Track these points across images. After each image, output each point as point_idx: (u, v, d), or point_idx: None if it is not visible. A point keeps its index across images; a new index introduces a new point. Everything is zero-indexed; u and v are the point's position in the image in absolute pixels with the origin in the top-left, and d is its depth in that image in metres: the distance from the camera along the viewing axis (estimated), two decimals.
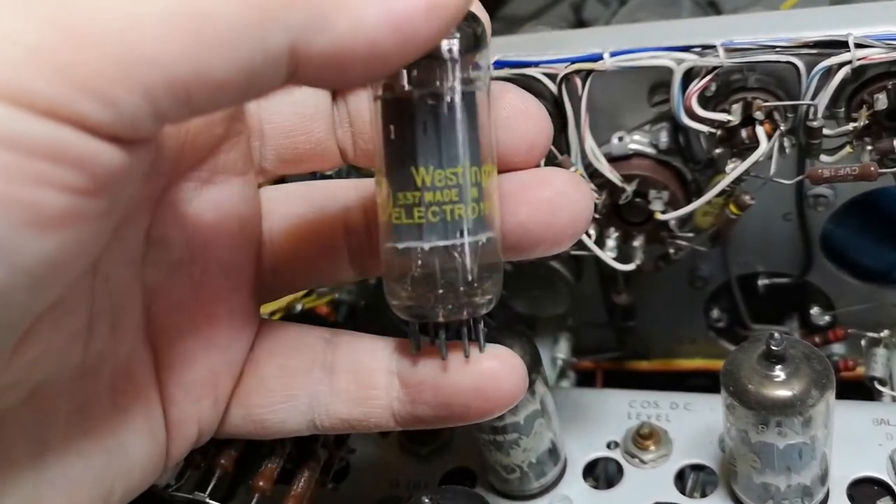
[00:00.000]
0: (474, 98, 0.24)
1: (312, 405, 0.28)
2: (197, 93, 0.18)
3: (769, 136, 0.36)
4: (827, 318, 0.46)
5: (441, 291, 0.24)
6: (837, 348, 0.46)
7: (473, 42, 0.24)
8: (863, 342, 0.45)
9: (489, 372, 0.26)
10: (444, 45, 0.23)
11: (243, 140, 0.28)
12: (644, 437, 0.38)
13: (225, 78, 0.18)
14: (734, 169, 0.37)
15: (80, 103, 0.17)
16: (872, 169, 0.35)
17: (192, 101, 0.18)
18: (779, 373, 0.31)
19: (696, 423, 0.39)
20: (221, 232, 0.27)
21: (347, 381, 0.28)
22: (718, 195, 0.38)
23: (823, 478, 0.34)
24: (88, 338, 0.24)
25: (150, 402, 0.26)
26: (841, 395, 0.35)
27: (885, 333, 0.44)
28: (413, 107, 0.24)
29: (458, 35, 0.23)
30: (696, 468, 0.38)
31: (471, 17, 0.24)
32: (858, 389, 0.44)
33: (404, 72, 0.23)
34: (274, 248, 0.30)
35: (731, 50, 0.36)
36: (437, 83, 0.23)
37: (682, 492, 0.37)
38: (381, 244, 0.26)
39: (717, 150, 0.38)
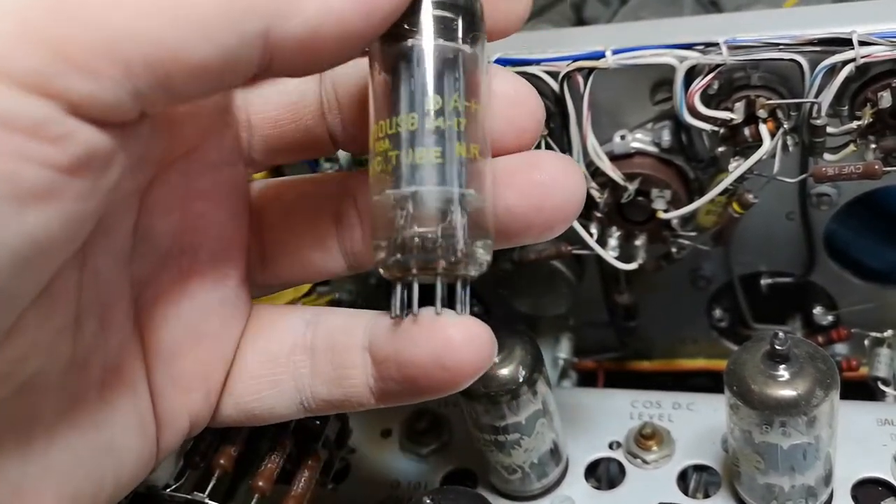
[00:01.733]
0: (457, 56, 0.24)
1: (298, 388, 0.27)
2: (176, 74, 0.19)
3: (772, 135, 0.36)
4: (830, 317, 0.45)
5: (425, 244, 0.23)
6: (840, 348, 0.46)
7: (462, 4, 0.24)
8: (866, 342, 0.44)
9: (447, 340, 0.24)
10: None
11: (231, 131, 0.28)
12: (646, 438, 0.38)
13: (202, 60, 0.19)
14: (737, 167, 0.37)
15: (64, 76, 0.17)
16: (876, 167, 0.35)
17: (171, 83, 0.19)
18: (783, 372, 0.30)
19: (698, 423, 0.39)
20: (210, 223, 0.27)
21: (325, 360, 0.27)
22: (721, 194, 0.38)
23: (828, 478, 0.34)
24: (77, 332, 0.23)
25: (139, 396, 0.26)
26: (844, 396, 0.35)
27: (888, 333, 0.44)
28: (409, 53, 0.24)
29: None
30: (699, 469, 0.38)
31: None
32: (862, 389, 0.43)
33: (403, 22, 0.23)
34: (264, 240, 0.30)
35: (734, 47, 0.36)
36: (412, 37, 0.24)
37: (685, 492, 0.37)
38: (370, 198, 0.25)
39: (720, 149, 0.38)
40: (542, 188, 0.25)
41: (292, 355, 0.28)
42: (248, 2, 0.19)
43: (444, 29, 0.24)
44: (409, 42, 0.24)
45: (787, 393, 0.30)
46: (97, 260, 0.24)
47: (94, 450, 0.24)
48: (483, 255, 0.25)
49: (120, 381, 0.25)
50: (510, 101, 0.26)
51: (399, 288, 0.25)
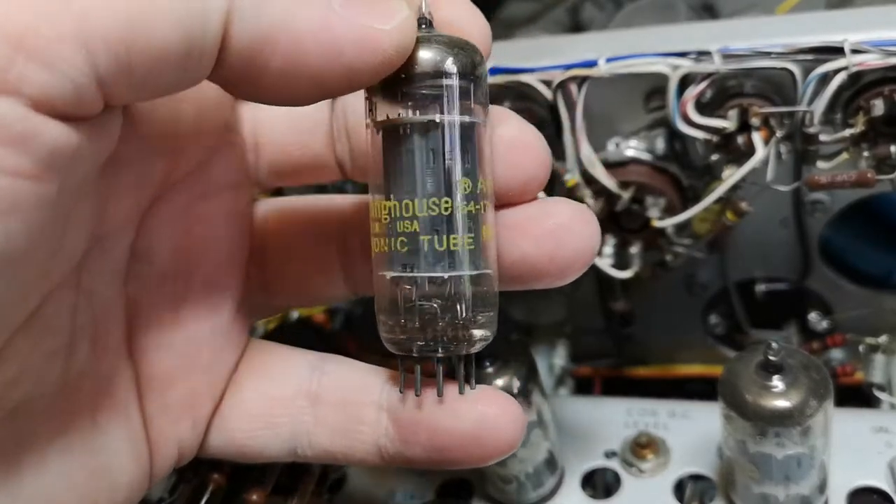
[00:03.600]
0: (472, 129, 0.24)
1: (295, 434, 0.27)
2: (137, 58, 0.18)
3: (766, 143, 0.36)
4: (825, 323, 0.45)
5: (432, 324, 0.23)
6: (836, 354, 0.46)
7: (471, 72, 0.23)
8: (861, 348, 0.44)
9: (491, 418, 0.25)
10: (443, 69, 0.23)
11: (237, 153, 0.27)
12: (642, 446, 0.38)
13: (164, 44, 0.18)
14: (731, 176, 0.37)
15: (21, 67, 0.16)
16: (869, 175, 0.35)
17: (132, 68, 0.18)
18: (777, 383, 0.30)
19: (694, 431, 0.39)
20: (209, 247, 0.27)
21: (334, 413, 0.27)
22: (715, 202, 0.38)
23: (822, 487, 0.34)
24: (69, 355, 0.23)
25: (131, 421, 0.25)
26: (839, 402, 0.35)
27: (883, 339, 0.44)
28: (407, 134, 0.23)
29: (456, 64, 0.23)
30: (695, 477, 0.38)
31: (471, 49, 0.24)
32: (857, 395, 0.43)
33: (400, 99, 0.23)
34: (265, 264, 0.29)
35: (727, 56, 0.36)
36: (433, 111, 0.23)
37: (681, 501, 0.37)
38: (374, 272, 0.25)
39: (714, 157, 0.38)
40: (556, 237, 0.25)
41: (295, 400, 0.27)
42: None
43: (463, 98, 0.23)
44: (432, 117, 0.23)
45: (782, 404, 0.30)
46: (93, 280, 0.24)
47: (87, 474, 0.24)
48: (488, 326, 0.25)
49: (112, 405, 0.25)
50: (516, 148, 0.25)
51: (417, 368, 0.25)
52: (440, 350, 0.24)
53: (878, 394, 0.42)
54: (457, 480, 0.40)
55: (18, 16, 0.16)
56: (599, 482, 0.39)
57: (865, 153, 0.36)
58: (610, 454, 0.39)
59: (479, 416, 0.25)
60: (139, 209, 0.25)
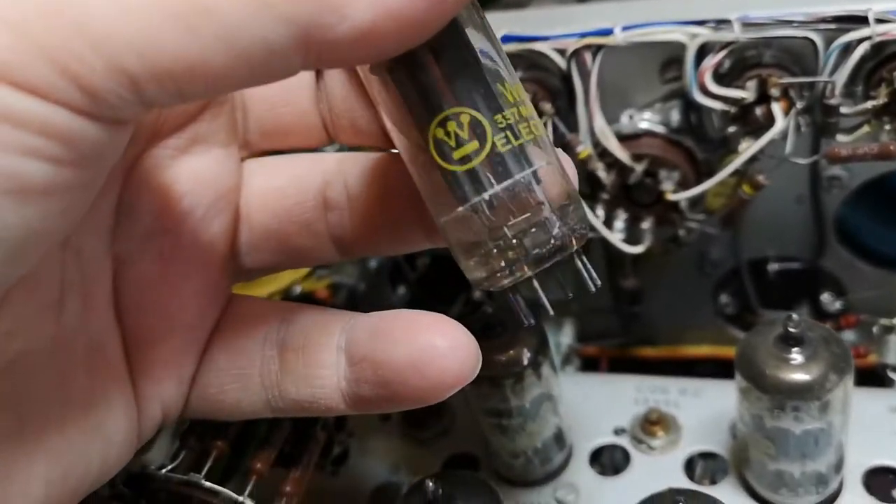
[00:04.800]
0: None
1: (265, 385, 0.26)
2: (189, 84, 0.18)
3: (785, 114, 0.35)
4: (838, 304, 0.45)
5: (528, 238, 0.21)
6: (848, 335, 0.45)
7: None
8: (875, 329, 0.43)
9: (428, 346, 0.23)
10: None
11: (226, 110, 0.27)
12: (652, 423, 0.37)
13: (222, 70, 0.18)
14: (748, 148, 0.36)
15: (61, 87, 0.17)
16: (892, 148, 0.34)
17: (182, 90, 0.18)
18: (796, 356, 0.30)
19: (706, 409, 0.38)
20: (195, 204, 0.26)
21: (295, 359, 0.26)
22: (731, 175, 0.37)
23: (839, 466, 0.33)
24: (60, 311, 0.23)
25: (122, 381, 0.25)
26: (854, 383, 0.34)
27: None
28: (425, 52, 0.21)
29: None
30: (706, 455, 0.37)
31: None
32: (870, 377, 0.43)
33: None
34: (251, 223, 0.28)
35: (746, 25, 0.35)
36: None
37: (692, 479, 0.36)
38: (439, 218, 0.23)
39: (731, 129, 0.37)
40: (421, 349, 0.23)
41: (262, 350, 0.26)
42: (275, 10, 0.17)
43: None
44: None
45: (801, 377, 0.29)
46: (80, 238, 0.23)
47: (83, 431, 0.23)
48: (578, 218, 0.22)
49: (105, 362, 0.24)
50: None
51: (514, 298, 0.23)
52: (539, 262, 0.22)
53: (892, 375, 0.41)
54: (463, 455, 0.39)
55: (68, 45, 0.17)
56: (608, 459, 0.39)
57: (887, 126, 0.35)
58: (619, 431, 0.38)
59: (421, 344, 0.23)
60: (125, 164, 0.25)
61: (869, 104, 0.35)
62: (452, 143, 0.21)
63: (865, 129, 0.36)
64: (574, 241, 0.22)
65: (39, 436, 0.22)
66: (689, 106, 0.38)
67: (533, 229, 0.21)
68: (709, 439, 0.37)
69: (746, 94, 0.36)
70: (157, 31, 0.17)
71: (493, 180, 0.21)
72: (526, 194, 0.21)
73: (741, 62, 0.36)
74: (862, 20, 0.34)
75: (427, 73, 0.22)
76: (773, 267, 0.45)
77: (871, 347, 0.44)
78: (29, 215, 0.18)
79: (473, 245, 0.22)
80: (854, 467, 0.34)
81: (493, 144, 0.21)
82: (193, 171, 0.26)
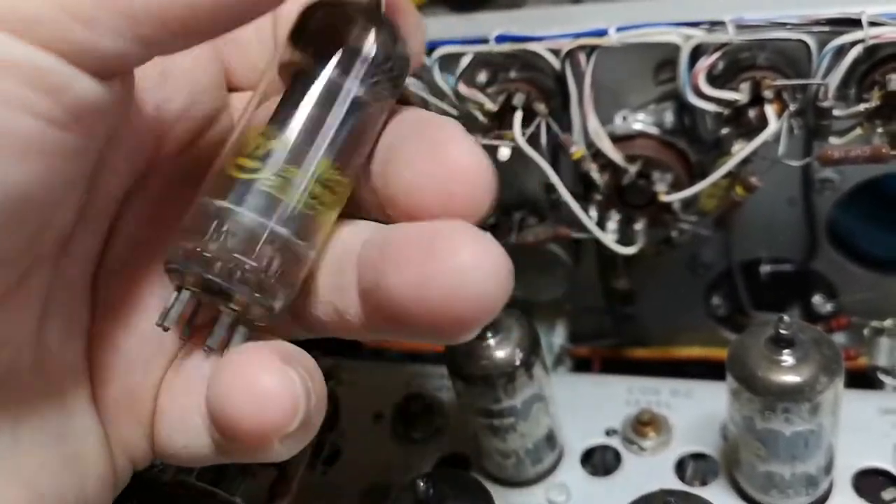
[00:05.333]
0: (363, 107, 0.23)
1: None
2: (180, 18, 0.18)
3: (778, 116, 0.35)
4: (830, 306, 0.45)
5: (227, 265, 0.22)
6: (839, 338, 0.45)
7: (383, 55, 0.23)
8: (866, 331, 0.44)
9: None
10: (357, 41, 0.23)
11: (224, 139, 0.25)
12: (644, 424, 0.37)
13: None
14: (741, 150, 0.36)
15: (65, 26, 0.17)
16: (884, 150, 0.34)
17: (174, 28, 0.18)
18: (787, 357, 0.30)
19: (697, 410, 0.38)
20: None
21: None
22: (724, 177, 0.37)
23: (828, 467, 0.33)
24: (41, 333, 0.22)
25: (94, 415, 0.24)
26: (844, 385, 0.34)
27: (889, 323, 0.43)
28: (300, 80, 0.23)
29: (371, 38, 0.23)
30: (697, 456, 0.37)
31: (396, 36, 0.23)
32: (861, 380, 0.43)
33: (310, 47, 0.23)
34: None
35: (740, 27, 0.35)
36: (332, 70, 0.23)
37: (682, 480, 0.36)
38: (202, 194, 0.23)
39: (724, 131, 0.37)
40: (427, 271, 0.20)
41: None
42: None
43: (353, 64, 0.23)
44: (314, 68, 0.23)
45: (792, 378, 0.29)
46: (68, 261, 0.23)
47: (58, 459, 0.22)
48: (274, 302, 0.22)
49: (80, 392, 0.23)
50: (461, 179, 0.21)
51: (176, 295, 0.23)
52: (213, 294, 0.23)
53: (883, 378, 0.41)
54: (455, 455, 0.39)
55: None
56: (599, 460, 0.39)
57: (879, 129, 0.35)
58: (611, 432, 0.38)
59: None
60: (121, 191, 0.24)
61: (861, 107, 0.35)
62: (250, 148, 0.22)
63: (858, 131, 0.36)
64: (244, 308, 0.22)
65: (17, 453, 0.21)
66: (683, 107, 0.38)
67: (223, 263, 0.21)
68: (700, 440, 0.37)
69: (740, 95, 0.36)
70: None
71: (238, 202, 0.22)
72: (248, 237, 0.22)
73: (735, 64, 0.36)
74: (855, 23, 0.34)
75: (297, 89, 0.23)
76: (765, 269, 0.45)
77: (861, 350, 0.44)
78: (14, 174, 0.17)
79: (192, 230, 0.22)
80: (844, 469, 0.34)
81: (263, 178, 0.22)
82: (180, 203, 0.24)
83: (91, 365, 0.24)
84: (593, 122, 0.38)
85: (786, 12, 0.35)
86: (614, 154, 0.38)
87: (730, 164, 0.36)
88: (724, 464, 0.36)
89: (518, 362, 0.33)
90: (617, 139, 0.39)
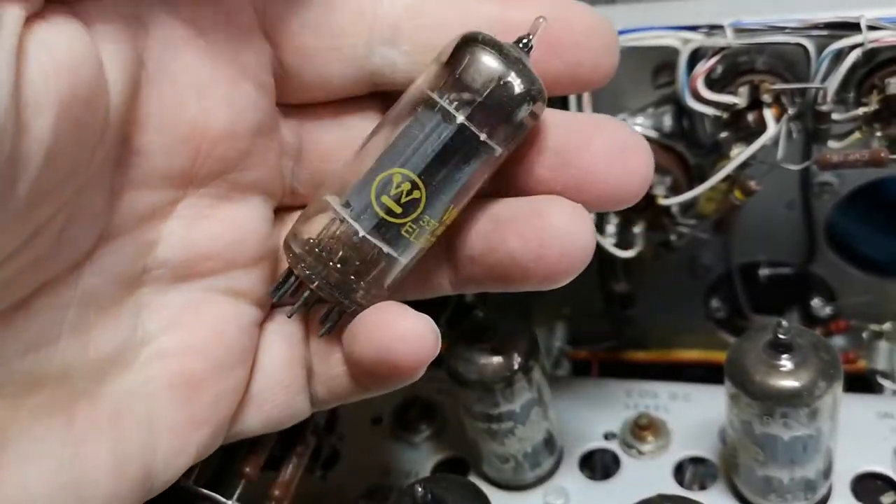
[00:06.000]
0: (489, 157, 0.24)
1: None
2: None
3: (777, 120, 0.35)
4: (828, 309, 0.45)
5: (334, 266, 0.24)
6: (838, 341, 0.45)
7: (526, 112, 0.23)
8: (865, 335, 0.44)
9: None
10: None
11: (270, 158, 0.26)
12: (642, 428, 0.37)
13: None
14: (740, 153, 0.36)
15: None
16: (883, 154, 0.34)
17: None
18: (785, 362, 0.30)
19: (695, 413, 0.38)
20: (227, 252, 0.25)
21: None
22: (723, 180, 0.37)
23: (827, 472, 0.33)
24: (54, 350, 0.22)
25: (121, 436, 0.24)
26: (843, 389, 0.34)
27: (887, 326, 0.43)
28: (437, 123, 0.23)
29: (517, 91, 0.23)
30: (695, 460, 0.37)
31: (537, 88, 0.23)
32: (859, 383, 0.43)
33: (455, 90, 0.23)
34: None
35: (739, 30, 0.35)
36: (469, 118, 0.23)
37: (681, 484, 0.36)
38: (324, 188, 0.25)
39: (723, 134, 0.37)
40: (543, 237, 0.24)
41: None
42: None
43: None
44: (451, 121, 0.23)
45: (790, 383, 0.29)
46: (94, 280, 0.23)
47: (59, 482, 0.22)
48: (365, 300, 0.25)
49: (93, 416, 0.23)
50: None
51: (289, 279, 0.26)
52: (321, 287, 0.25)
53: (882, 381, 0.41)
54: (453, 459, 0.39)
55: None
56: (598, 463, 0.39)
57: (878, 133, 0.35)
58: (609, 435, 0.38)
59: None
60: (154, 208, 0.24)
61: (860, 111, 0.35)
62: (393, 188, 0.24)
63: (856, 135, 0.36)
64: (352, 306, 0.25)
65: (19, 470, 0.21)
66: (682, 111, 0.38)
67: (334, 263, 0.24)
68: (698, 444, 0.37)
69: (738, 99, 0.36)
70: None
71: (376, 236, 0.24)
72: (370, 255, 0.24)
73: (733, 68, 0.36)
74: (854, 27, 0.34)
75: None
76: (764, 272, 0.45)
77: (860, 353, 0.44)
78: None
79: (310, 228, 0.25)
80: (842, 473, 0.34)
81: (406, 226, 0.24)
82: (226, 218, 0.25)
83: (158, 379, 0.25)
84: None
85: (784, 16, 0.35)
86: None
87: (728, 168, 0.36)
88: (723, 468, 0.36)
89: (516, 367, 0.33)
90: None
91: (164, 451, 0.24)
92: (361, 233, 0.24)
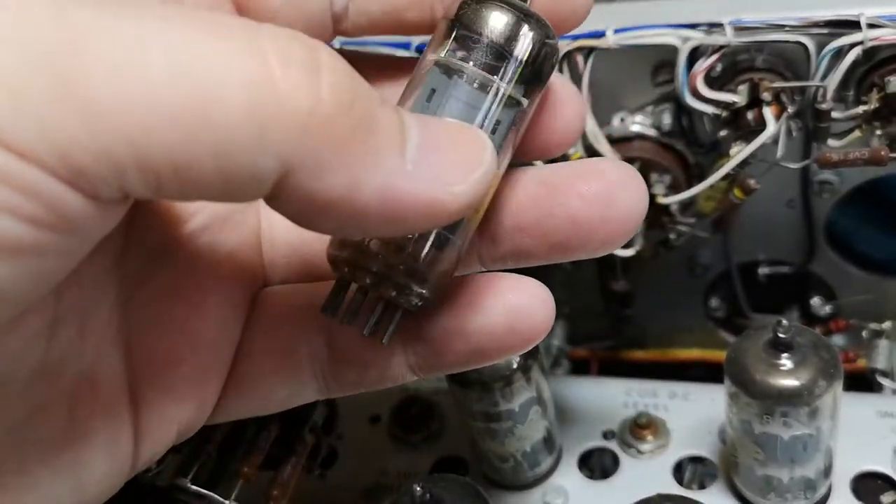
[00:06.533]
0: (518, 111, 0.23)
1: (317, 375, 0.25)
2: (168, 183, 0.17)
3: (776, 118, 0.35)
4: (828, 308, 0.45)
5: (381, 261, 0.22)
6: (838, 340, 0.45)
7: (543, 61, 0.22)
8: (864, 334, 0.44)
9: (522, 308, 0.24)
10: (520, 46, 0.22)
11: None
12: (642, 427, 0.37)
13: (202, 180, 0.17)
14: (739, 152, 0.36)
15: (48, 159, 0.16)
16: (883, 153, 0.34)
17: (161, 188, 0.17)
18: (785, 361, 0.30)
19: (695, 413, 0.38)
20: (212, 216, 0.25)
21: (353, 342, 0.25)
22: (722, 179, 0.37)
23: (827, 471, 0.33)
24: (50, 339, 0.21)
25: (114, 411, 0.23)
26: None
27: (887, 325, 0.43)
28: (454, 84, 0.22)
29: (536, 44, 0.22)
30: (695, 460, 0.37)
31: (550, 34, 0.22)
32: (859, 382, 0.43)
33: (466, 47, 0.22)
34: (272, 236, 0.27)
35: (739, 28, 0.35)
36: (490, 72, 0.22)
37: (680, 483, 0.36)
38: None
39: (722, 133, 0.37)
40: (608, 196, 0.23)
41: (311, 342, 0.26)
42: (270, 140, 0.17)
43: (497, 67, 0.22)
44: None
45: (790, 382, 0.29)
46: (84, 261, 0.21)
47: (51, 471, 0.21)
48: (428, 290, 0.23)
49: (94, 394, 0.23)
50: (557, 104, 0.24)
51: (341, 286, 0.23)
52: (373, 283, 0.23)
53: (881, 380, 0.41)
54: (452, 458, 0.39)
55: (62, 116, 0.16)
56: (597, 463, 0.39)
57: (878, 131, 0.35)
58: (608, 435, 0.38)
59: (509, 308, 0.23)
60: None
61: (860, 109, 0.35)
62: None
63: (856, 133, 0.36)
64: (404, 301, 0.23)
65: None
66: (681, 109, 0.38)
67: (395, 265, 0.22)
68: (698, 443, 0.37)
69: (738, 97, 0.36)
70: (156, 130, 0.16)
71: None
72: (421, 242, 0.22)
73: (733, 66, 0.36)
74: (854, 25, 0.34)
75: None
76: (764, 271, 0.45)
77: (860, 352, 0.44)
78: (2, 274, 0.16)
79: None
80: (842, 472, 0.34)
81: None
82: None
83: (137, 353, 0.24)
84: (591, 124, 0.38)
85: (784, 14, 0.35)
86: (612, 156, 0.38)
87: (728, 167, 0.36)
88: (723, 467, 0.36)
89: (515, 366, 0.33)
90: (614, 141, 0.39)
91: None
92: None
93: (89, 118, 0.16)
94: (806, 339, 0.30)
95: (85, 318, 0.22)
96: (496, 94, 0.22)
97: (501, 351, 0.24)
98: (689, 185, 0.39)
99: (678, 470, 0.37)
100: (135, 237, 0.23)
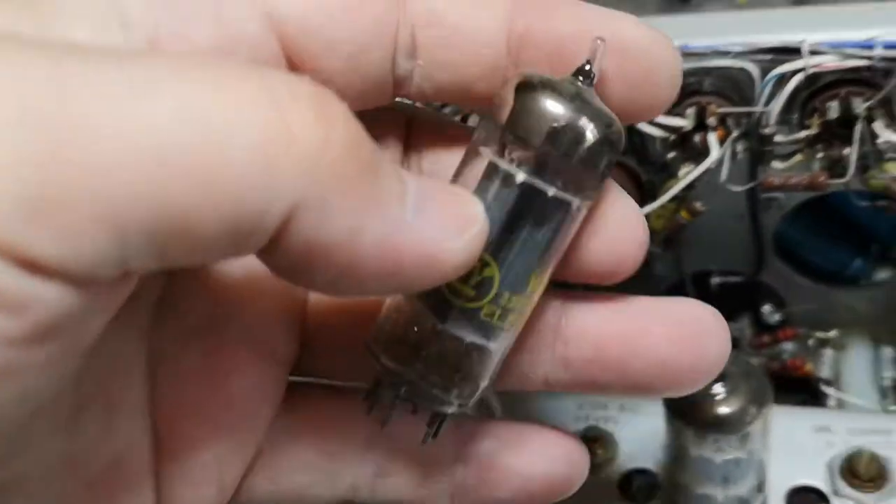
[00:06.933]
0: (569, 213, 0.20)
1: (356, 485, 0.24)
2: (176, 242, 0.15)
3: (721, 143, 0.36)
4: (778, 316, 0.46)
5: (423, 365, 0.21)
6: (787, 346, 0.46)
7: (605, 158, 0.20)
8: (811, 342, 0.45)
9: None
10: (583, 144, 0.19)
11: None
12: (590, 441, 0.38)
13: (210, 232, 0.15)
14: (686, 174, 0.37)
15: (31, 235, 0.14)
16: (822, 179, 0.35)
17: (166, 251, 0.15)
18: (718, 390, 0.31)
19: (643, 426, 0.39)
20: (253, 297, 0.23)
21: (405, 462, 0.24)
22: (671, 200, 0.38)
23: (761, 486, 0.34)
24: (75, 427, 0.19)
25: (139, 494, 0.21)
26: (789, 393, 0.35)
27: (833, 334, 0.44)
28: (498, 186, 0.20)
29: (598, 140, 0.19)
30: (642, 472, 0.38)
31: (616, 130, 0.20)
32: (806, 388, 0.44)
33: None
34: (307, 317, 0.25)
35: (685, 54, 0.35)
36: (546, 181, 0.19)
37: (627, 496, 0.37)
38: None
39: (670, 155, 0.38)
40: (700, 344, 0.22)
41: (355, 453, 0.24)
42: (277, 193, 0.15)
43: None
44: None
45: (722, 411, 0.30)
46: (108, 340, 0.19)
47: None
48: (462, 399, 0.21)
49: (120, 477, 0.21)
50: (617, 231, 0.22)
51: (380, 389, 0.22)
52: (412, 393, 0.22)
53: (825, 389, 0.42)
54: None
55: (50, 179, 0.13)
56: None
57: (819, 154, 0.36)
58: None
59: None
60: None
61: (802, 133, 0.36)
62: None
63: (799, 157, 0.37)
64: (447, 408, 0.21)
65: None
66: (632, 129, 0.39)
67: (428, 381, 0.21)
68: (645, 457, 0.38)
69: (685, 121, 0.36)
70: (168, 180, 0.14)
71: (455, 328, 0.20)
72: (455, 347, 0.21)
73: (681, 89, 0.36)
74: (796, 52, 0.34)
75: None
76: (716, 280, 0.46)
77: (807, 359, 0.45)
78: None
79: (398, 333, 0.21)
80: (778, 487, 0.35)
81: (484, 309, 0.20)
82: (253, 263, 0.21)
83: (162, 432, 0.22)
84: None
85: (730, 39, 0.35)
86: None
87: (673, 191, 0.37)
88: (666, 482, 0.37)
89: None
90: None
91: None
92: (439, 325, 0.20)
93: (81, 176, 0.14)
94: (738, 367, 0.31)
95: (113, 400, 0.20)
96: (538, 198, 0.19)
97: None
98: (643, 202, 0.40)
99: (625, 483, 0.38)
100: (166, 316, 0.22)
